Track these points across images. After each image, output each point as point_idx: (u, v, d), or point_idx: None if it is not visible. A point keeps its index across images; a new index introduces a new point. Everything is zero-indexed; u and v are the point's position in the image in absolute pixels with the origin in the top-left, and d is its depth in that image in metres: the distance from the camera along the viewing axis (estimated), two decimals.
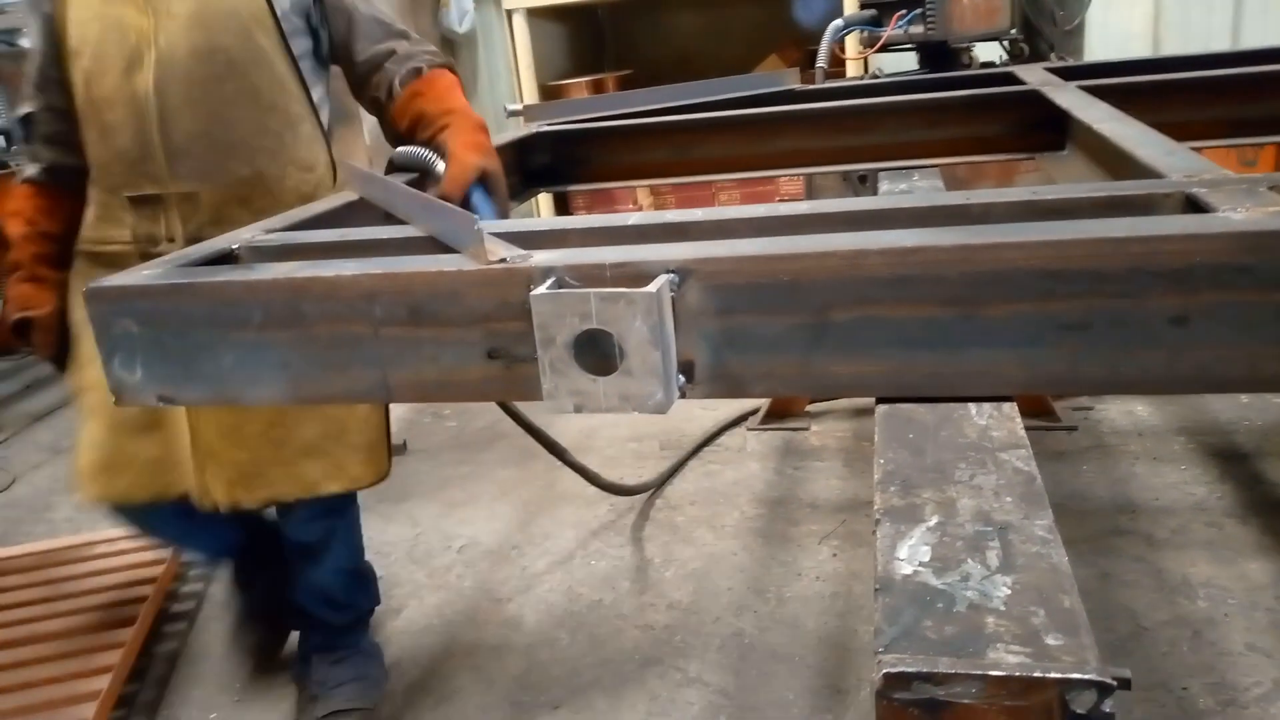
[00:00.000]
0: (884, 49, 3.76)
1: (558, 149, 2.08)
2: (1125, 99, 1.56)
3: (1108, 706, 0.46)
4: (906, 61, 3.79)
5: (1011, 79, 2.06)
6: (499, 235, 0.98)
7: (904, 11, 3.39)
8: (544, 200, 5.05)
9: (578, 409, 0.85)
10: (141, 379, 1.00)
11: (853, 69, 4.40)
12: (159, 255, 1.19)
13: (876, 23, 3.45)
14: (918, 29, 3.40)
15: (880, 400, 0.84)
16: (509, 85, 5.49)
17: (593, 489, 2.66)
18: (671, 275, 0.83)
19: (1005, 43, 4.01)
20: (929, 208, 0.95)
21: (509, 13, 4.59)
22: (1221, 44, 5.48)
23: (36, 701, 1.90)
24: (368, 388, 0.96)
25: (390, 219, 1.27)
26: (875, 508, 0.68)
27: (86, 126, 1.62)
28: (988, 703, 0.47)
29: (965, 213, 0.93)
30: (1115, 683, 0.46)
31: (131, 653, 2.07)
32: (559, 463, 2.94)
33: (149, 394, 1.01)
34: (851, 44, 4.30)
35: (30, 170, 1.75)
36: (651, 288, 0.80)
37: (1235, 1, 5.41)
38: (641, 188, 4.58)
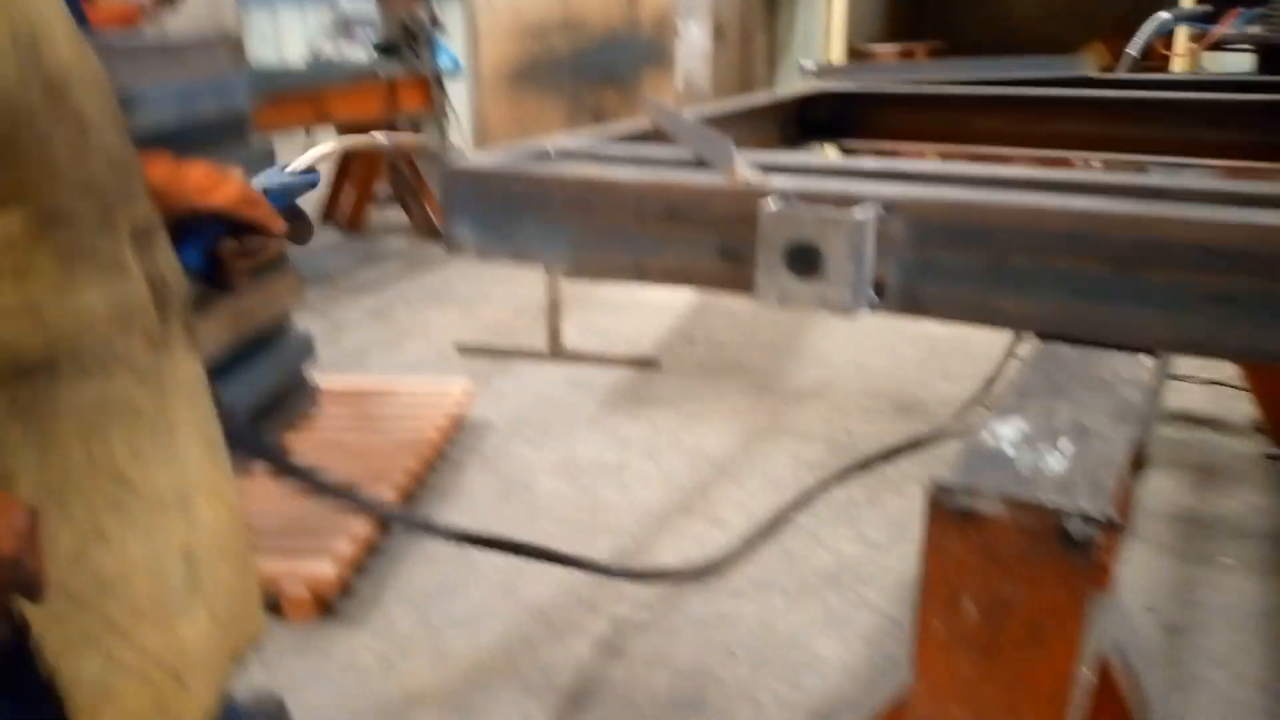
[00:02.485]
0: (1218, 48, 3.58)
1: (839, 107, 2.25)
2: None
3: (1093, 534, 0.63)
4: (1242, 63, 3.58)
5: None
6: (757, 163, 1.20)
7: (1243, 9, 3.22)
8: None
9: (780, 304, 1.06)
10: (470, 237, 1.31)
11: (1179, 66, 4.19)
12: None
13: (1208, 19, 3.31)
14: (1257, 28, 3.22)
15: (1040, 337, 0.99)
16: (821, 45, 5.64)
17: (817, 426, 2.86)
18: (878, 207, 1.02)
19: None
20: (1130, 185, 1.07)
21: None
22: None
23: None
24: (628, 267, 1.22)
25: (669, 141, 1.52)
26: (993, 408, 0.85)
27: None
28: (999, 515, 0.65)
29: (1162, 193, 1.04)
30: (1105, 519, 0.63)
31: (410, 476, 2.53)
32: (789, 399, 3.16)
33: (471, 249, 1.32)
34: (1182, 39, 4.09)
35: None
36: (856, 214, 1.00)
37: None
38: (996, 152, 4.63)
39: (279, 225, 1.11)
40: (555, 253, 1.27)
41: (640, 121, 1.74)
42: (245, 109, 2.62)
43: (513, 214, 1.27)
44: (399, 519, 1.92)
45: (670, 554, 2.33)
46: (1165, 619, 2.08)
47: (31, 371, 0.75)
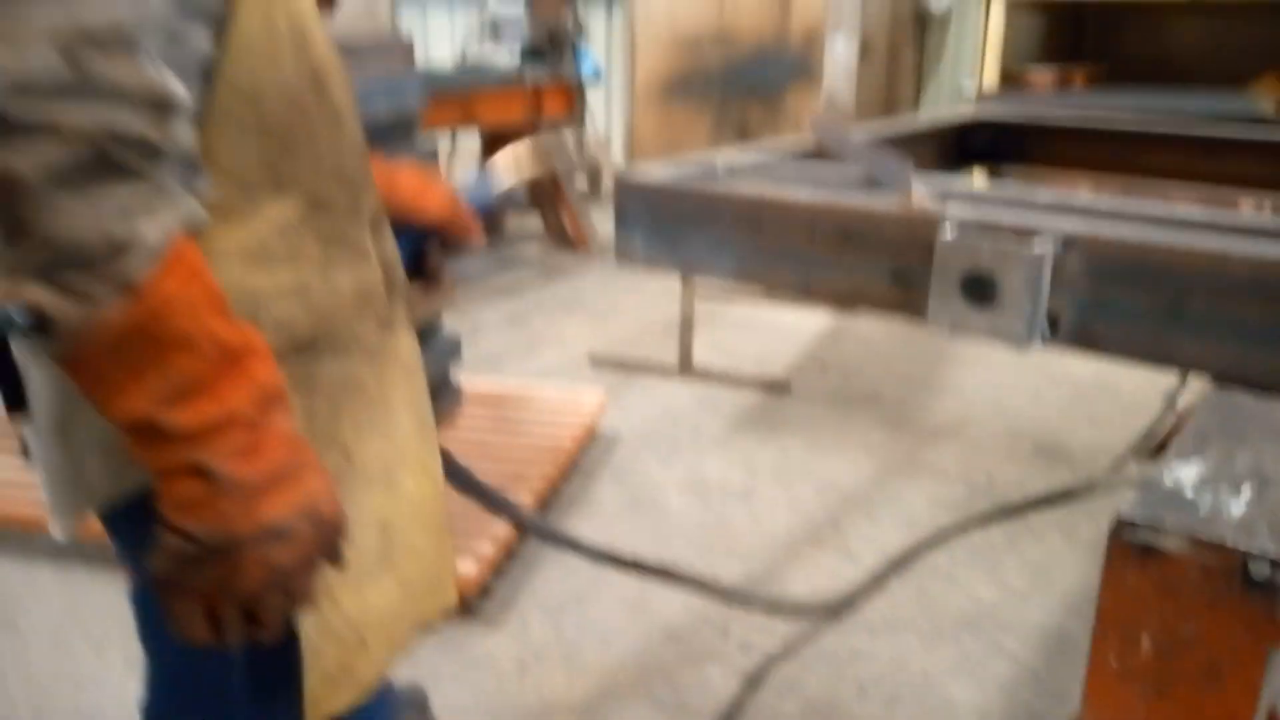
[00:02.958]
0: None
1: (1000, 134, 2.24)
2: None
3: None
4: None
5: None
6: (933, 189, 1.22)
7: None
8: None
9: (952, 330, 1.07)
10: (640, 247, 1.37)
11: None
12: None
13: None
14: None
15: (1216, 381, 0.98)
16: (974, 66, 5.55)
17: (954, 465, 2.81)
18: (1056, 241, 1.03)
19: None
20: None
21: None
22: None
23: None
24: (793, 283, 1.25)
25: (836, 160, 1.55)
26: (1170, 451, 0.84)
27: None
28: (1189, 554, 0.66)
29: None
30: None
31: (545, 482, 2.60)
32: (925, 435, 3.12)
33: (640, 259, 1.38)
34: None
35: None
36: (1035, 248, 1.01)
37: None
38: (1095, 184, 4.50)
39: (480, 238, 1.18)
40: (723, 266, 1.31)
41: (803, 139, 1.77)
42: (415, 110, 2.76)
43: (683, 227, 1.32)
44: (544, 531, 1.99)
45: (800, 583, 2.33)
46: None
47: (302, 349, 0.82)
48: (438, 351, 2.89)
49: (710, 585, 1.82)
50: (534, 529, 1.90)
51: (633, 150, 3.00)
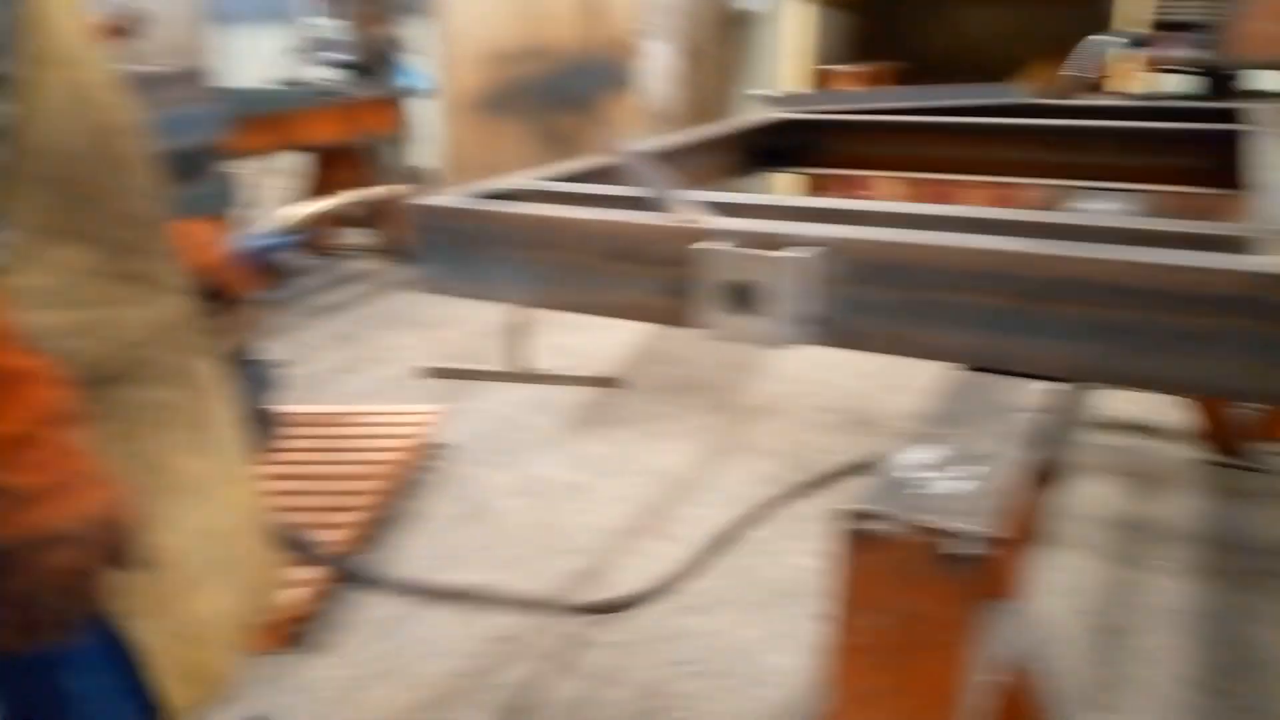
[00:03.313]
0: (1165, 70, 3.73)
1: (798, 135, 2.35)
2: None
3: (977, 551, 0.72)
4: (1186, 84, 3.74)
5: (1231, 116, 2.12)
6: (701, 203, 1.29)
7: (1180, 34, 3.38)
8: (783, 182, 5.31)
9: (723, 339, 1.15)
10: (436, 275, 1.39)
11: (1134, 87, 4.36)
12: None
13: (1139, 42, 3.46)
14: (1193, 52, 3.38)
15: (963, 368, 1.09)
16: (786, 65, 5.76)
17: (775, 441, 2.94)
18: (809, 247, 1.11)
19: None
20: (1043, 223, 1.18)
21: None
22: None
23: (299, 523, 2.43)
24: (582, 303, 1.30)
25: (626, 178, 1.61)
26: (907, 435, 0.94)
27: None
28: (892, 536, 0.74)
29: (1074, 231, 1.14)
30: (987, 535, 0.72)
31: (374, 503, 2.58)
32: (747, 417, 3.25)
33: (437, 285, 1.40)
34: (1127, 62, 4.24)
35: None
36: (788, 254, 1.09)
37: None
38: (892, 179, 4.79)
39: (248, 289, 1.22)
40: (516, 289, 1.35)
41: (605, 156, 1.83)
42: (212, 143, 2.68)
43: (475, 252, 1.35)
44: (349, 571, 2.02)
45: (629, 573, 2.41)
46: (1102, 621, 2.19)
47: (102, 379, 0.89)
48: (254, 379, 2.81)
49: (513, 599, 1.88)
50: (339, 569, 1.92)
51: (454, 167, 2.99)
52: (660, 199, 1.30)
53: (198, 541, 1.00)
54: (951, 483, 0.82)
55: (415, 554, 2.52)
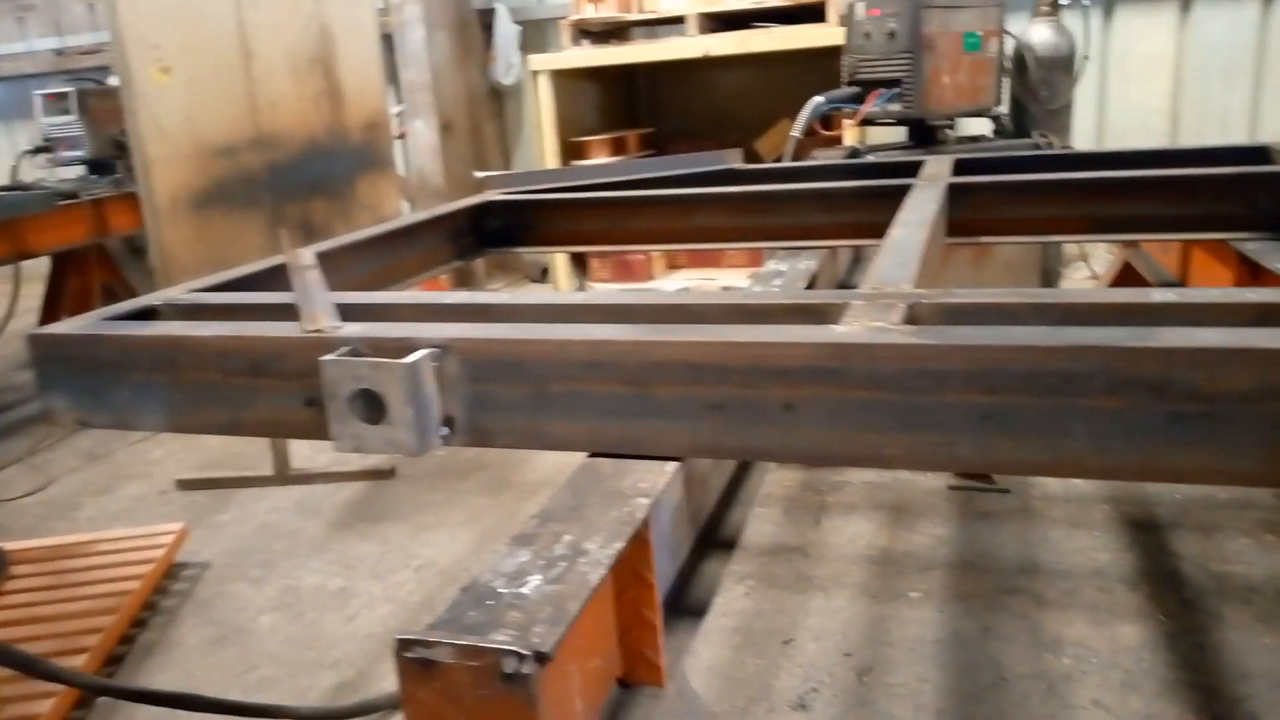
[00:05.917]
0: (870, 124, 3.99)
1: (507, 216, 2.35)
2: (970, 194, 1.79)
3: (527, 669, 0.69)
4: (898, 134, 4.01)
5: (911, 170, 2.27)
6: (343, 305, 1.25)
7: (883, 90, 3.62)
8: (560, 261, 5.36)
9: (356, 450, 1.10)
10: (65, 406, 1.28)
11: (850, 138, 4.65)
12: None
13: (858, 99, 3.69)
14: (896, 106, 3.63)
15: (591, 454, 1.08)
16: (536, 138, 5.85)
17: None
18: (433, 349, 1.08)
19: (994, 119, 4.21)
20: (660, 306, 1.19)
21: (533, 74, 4.94)
22: (1241, 121, 5.59)
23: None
24: (224, 423, 1.22)
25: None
26: (518, 533, 0.91)
27: None
28: (456, 661, 0.71)
29: (685, 312, 1.17)
30: (538, 652, 0.69)
31: (111, 637, 2.37)
32: (528, 494, 3.20)
33: (70, 417, 1.29)
34: (847, 117, 4.51)
35: None
36: (409, 359, 1.05)
37: (1255, 79, 5.51)
38: (651, 250, 4.91)
39: None
40: (152, 415, 1.26)
41: (278, 259, 1.76)
42: None
43: (106, 378, 1.26)
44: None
45: (391, 680, 2.29)
46: (857, 661, 2.25)
47: None
48: None
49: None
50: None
51: (166, 271, 2.83)
52: (300, 307, 1.25)
53: None
54: (528, 590, 0.80)
55: (158, 688, 2.32)
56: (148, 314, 1.40)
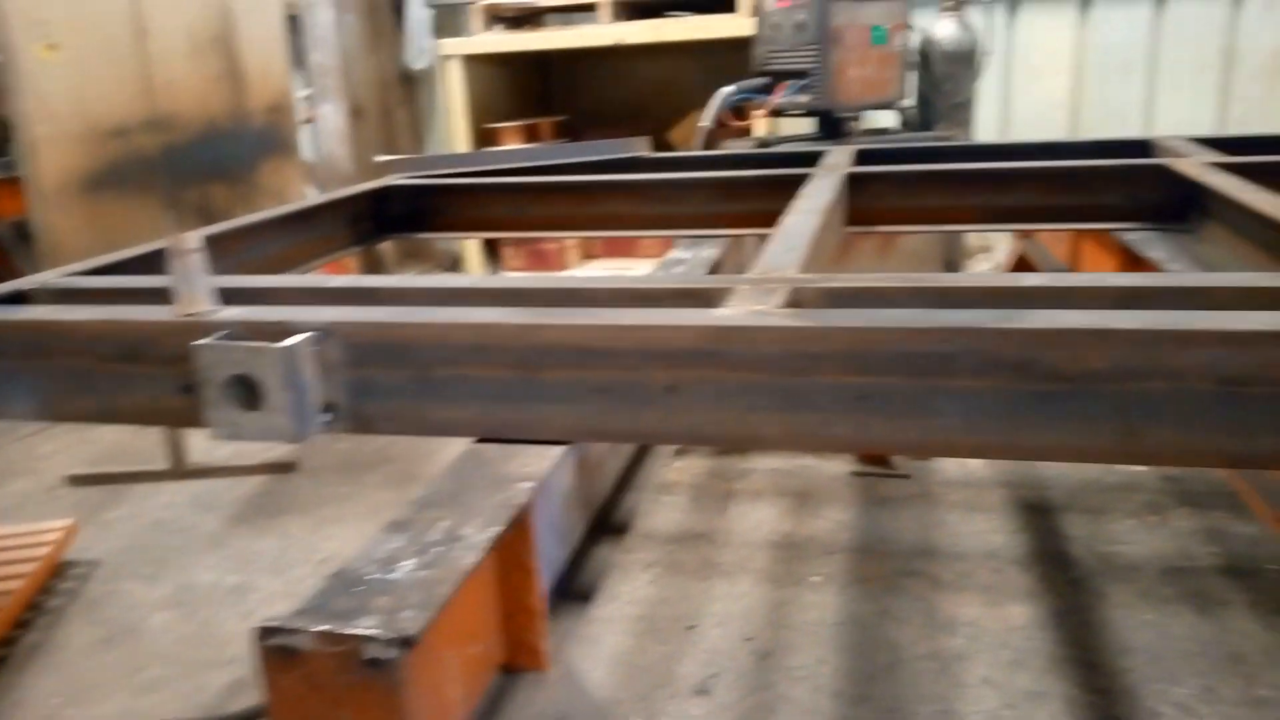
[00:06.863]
0: (779, 114, 4.04)
1: (410, 201, 2.31)
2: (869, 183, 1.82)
3: (391, 655, 0.68)
4: (806, 125, 4.06)
5: (811, 160, 2.30)
6: (225, 289, 1.21)
7: (791, 81, 3.66)
8: (473, 251, 5.31)
9: (231, 438, 1.06)
10: None
11: (761, 129, 4.69)
12: None
13: (767, 90, 3.72)
14: (804, 98, 3.67)
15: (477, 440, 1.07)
16: (448, 123, 5.77)
17: None
18: (314, 333, 1.06)
19: (900, 112, 4.29)
20: (550, 290, 1.19)
21: (445, 59, 4.87)
22: (1137, 115, 5.81)
23: None
24: (98, 411, 1.18)
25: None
26: (394, 519, 0.90)
27: None
28: (319, 649, 0.69)
29: (575, 296, 1.16)
30: (402, 638, 0.68)
31: None
32: None
33: None
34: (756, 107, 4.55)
35: None
36: (286, 343, 1.03)
37: (1148, 76, 5.72)
38: (554, 236, 4.89)
39: None
40: (23, 403, 1.20)
41: (160, 243, 1.70)
42: None
43: None
44: None
45: None
46: (759, 645, 2.27)
47: None
48: None
49: None
50: None
51: (51, 256, 2.71)
52: (175, 291, 1.21)
53: None
54: (397, 576, 0.78)
55: (42, 691, 2.23)
56: (19, 298, 1.34)
